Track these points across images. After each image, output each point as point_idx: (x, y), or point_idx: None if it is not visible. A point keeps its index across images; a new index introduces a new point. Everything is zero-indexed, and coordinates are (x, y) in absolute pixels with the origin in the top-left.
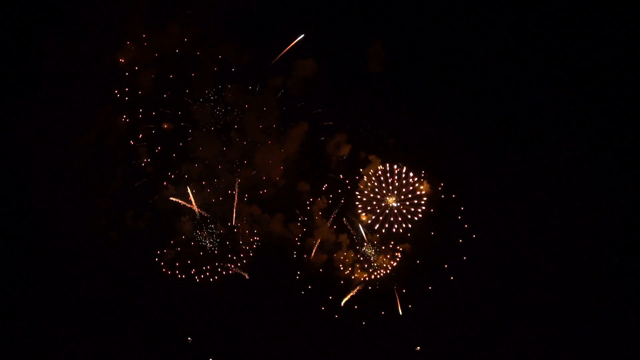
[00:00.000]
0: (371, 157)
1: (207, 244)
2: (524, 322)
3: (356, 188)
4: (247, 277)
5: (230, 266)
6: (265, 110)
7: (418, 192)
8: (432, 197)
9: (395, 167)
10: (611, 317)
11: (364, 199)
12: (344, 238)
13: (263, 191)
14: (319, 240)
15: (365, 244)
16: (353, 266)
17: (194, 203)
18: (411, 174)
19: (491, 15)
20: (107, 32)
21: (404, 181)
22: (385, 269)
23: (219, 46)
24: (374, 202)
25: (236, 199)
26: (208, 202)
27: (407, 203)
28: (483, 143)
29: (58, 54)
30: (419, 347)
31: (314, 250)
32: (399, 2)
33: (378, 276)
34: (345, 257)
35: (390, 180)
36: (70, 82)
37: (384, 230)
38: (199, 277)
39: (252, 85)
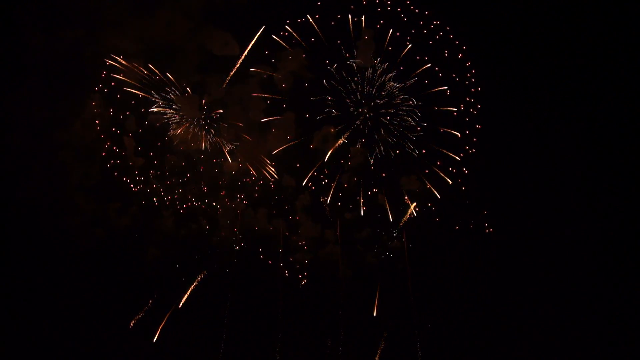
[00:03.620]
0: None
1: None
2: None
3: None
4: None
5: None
6: (250, 101)
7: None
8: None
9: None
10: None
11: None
12: (330, 234)
13: (247, 184)
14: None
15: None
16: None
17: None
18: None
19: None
20: (90, 23)
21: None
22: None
23: (203, 36)
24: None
25: (220, 193)
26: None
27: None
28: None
29: (39, 45)
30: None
31: None
32: None
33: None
34: (330, 254)
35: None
36: (51, 73)
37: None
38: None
39: (237, 76)
